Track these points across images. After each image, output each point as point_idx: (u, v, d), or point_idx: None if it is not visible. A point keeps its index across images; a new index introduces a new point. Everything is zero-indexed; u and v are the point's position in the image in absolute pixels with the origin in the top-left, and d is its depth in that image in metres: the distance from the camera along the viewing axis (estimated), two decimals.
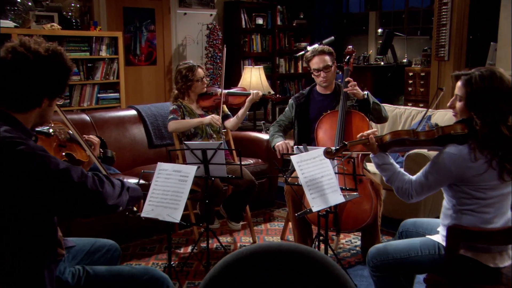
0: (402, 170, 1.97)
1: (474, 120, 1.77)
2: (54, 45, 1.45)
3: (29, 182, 1.27)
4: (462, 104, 1.83)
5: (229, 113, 3.45)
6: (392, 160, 1.97)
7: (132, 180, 3.25)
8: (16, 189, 1.27)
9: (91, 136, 1.93)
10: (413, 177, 1.91)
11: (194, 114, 3.30)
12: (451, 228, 1.78)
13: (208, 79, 3.48)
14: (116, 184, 1.47)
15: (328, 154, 1.99)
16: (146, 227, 3.29)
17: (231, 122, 3.37)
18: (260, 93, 3.31)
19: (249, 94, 3.30)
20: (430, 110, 3.74)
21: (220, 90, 3.35)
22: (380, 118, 2.94)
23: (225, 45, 3.43)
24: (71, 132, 1.79)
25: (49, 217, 1.41)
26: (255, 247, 0.95)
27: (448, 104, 1.90)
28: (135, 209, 1.76)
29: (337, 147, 2.00)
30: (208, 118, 3.16)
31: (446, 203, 1.91)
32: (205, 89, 3.35)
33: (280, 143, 2.92)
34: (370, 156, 2.01)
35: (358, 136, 1.99)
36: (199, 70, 3.30)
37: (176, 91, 3.35)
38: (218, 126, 3.20)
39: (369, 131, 1.99)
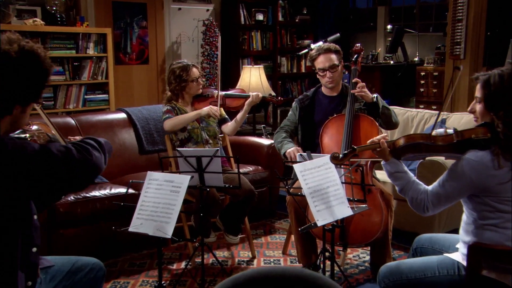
0: (417, 179, 1.92)
1: (495, 122, 1.74)
2: (30, 44, 1.40)
3: (9, 172, 1.28)
4: (482, 106, 1.80)
5: (226, 116, 3.42)
6: (406, 168, 1.94)
7: (122, 189, 3.23)
8: None
9: (76, 138, 1.89)
10: (429, 187, 1.87)
11: None
12: (473, 246, 1.73)
13: (204, 79, 3.45)
14: (97, 146, 1.51)
15: (335, 159, 1.96)
16: (135, 241, 3.26)
17: (229, 126, 3.35)
18: (260, 95, 3.29)
19: (248, 96, 3.28)
20: (444, 113, 3.72)
21: (217, 91, 3.31)
22: (390, 124, 2.91)
23: (219, 34, 3.41)
24: (51, 135, 1.74)
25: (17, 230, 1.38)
26: (254, 273, 0.90)
27: (469, 108, 1.87)
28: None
29: (345, 152, 1.96)
30: (206, 109, 3.18)
31: (466, 217, 1.87)
32: (201, 90, 3.33)
33: (292, 149, 2.89)
34: (382, 163, 1.98)
35: (369, 141, 1.95)
36: (194, 69, 3.27)
37: (169, 93, 3.32)
38: (217, 118, 3.21)
39: (379, 136, 1.95)
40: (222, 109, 3.40)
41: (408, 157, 1.95)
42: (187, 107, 3.33)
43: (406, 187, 1.90)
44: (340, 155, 1.96)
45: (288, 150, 2.90)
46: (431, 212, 1.87)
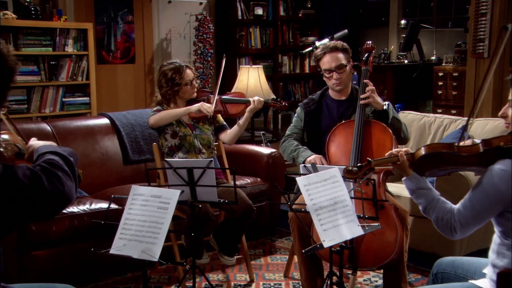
0: (442, 197, 1.90)
1: None
2: None
3: None
4: None
5: (224, 123, 3.42)
6: (429, 184, 1.92)
7: (103, 205, 3.21)
8: None
9: (33, 141, 1.86)
10: (456, 206, 1.85)
11: (181, 123, 3.28)
12: (504, 273, 1.70)
13: (198, 81, 3.44)
14: (67, 170, 1.43)
15: (349, 173, 1.96)
16: (118, 262, 3.22)
17: (228, 134, 3.34)
18: (262, 100, 3.27)
19: (249, 101, 3.26)
20: (464, 118, 3.70)
21: (214, 96, 3.30)
22: (398, 138, 2.90)
23: (224, 56, 3.40)
24: (21, 147, 1.71)
25: None
26: None
27: (500, 113, 1.85)
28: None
29: (360, 164, 1.95)
30: (197, 105, 3.16)
31: (496, 237, 1.84)
32: (195, 94, 3.31)
33: (312, 157, 2.86)
34: (402, 179, 1.96)
35: (387, 154, 1.94)
36: (188, 71, 3.27)
37: (159, 97, 3.30)
38: (210, 115, 3.19)
39: (399, 149, 1.94)
40: (219, 115, 3.39)
41: (432, 173, 1.93)
42: None
43: (430, 205, 1.89)
44: (355, 169, 1.95)
45: (308, 158, 2.86)
46: (460, 234, 1.84)
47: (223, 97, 3.38)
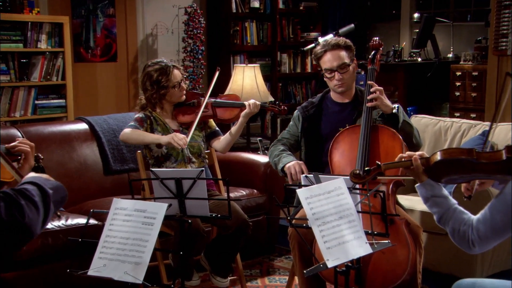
0: (459, 206, 1.92)
1: None
2: None
3: None
4: None
5: (217, 129, 3.43)
6: (445, 192, 1.93)
7: (81, 220, 3.22)
8: None
9: (20, 141, 1.87)
10: (475, 217, 1.87)
11: (167, 130, 3.28)
12: None
13: (187, 82, 3.46)
14: (38, 200, 1.42)
15: (356, 177, 1.97)
16: (98, 285, 3.21)
17: (221, 142, 3.36)
18: (259, 104, 3.29)
19: (244, 105, 3.28)
20: (486, 123, 3.72)
21: (204, 100, 3.32)
22: (409, 145, 2.91)
23: (218, 69, 3.41)
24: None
25: None
26: None
27: None
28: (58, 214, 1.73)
29: (368, 168, 1.97)
30: (167, 138, 3.12)
31: None
32: (184, 97, 3.33)
33: (292, 163, 2.88)
34: (416, 186, 1.98)
35: (398, 158, 1.95)
36: (176, 72, 3.28)
37: (143, 100, 3.31)
38: (181, 148, 3.15)
39: (413, 152, 1.95)
40: (212, 120, 3.40)
41: (450, 180, 1.94)
42: (166, 118, 3.33)
43: (446, 215, 1.90)
44: (362, 173, 1.97)
45: (288, 165, 2.88)
46: (479, 249, 1.86)
47: (215, 100, 3.39)
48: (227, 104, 3.37)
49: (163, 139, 3.15)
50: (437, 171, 1.91)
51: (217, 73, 3.39)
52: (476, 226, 1.84)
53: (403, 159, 1.97)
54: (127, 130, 3.20)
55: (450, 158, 1.87)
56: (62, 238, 3.09)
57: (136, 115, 3.28)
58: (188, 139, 3.16)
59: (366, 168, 2.01)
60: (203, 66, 5.70)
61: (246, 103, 3.28)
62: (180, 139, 3.10)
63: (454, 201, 1.94)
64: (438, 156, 1.89)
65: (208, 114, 3.32)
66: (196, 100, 3.37)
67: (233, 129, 3.30)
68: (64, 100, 4.74)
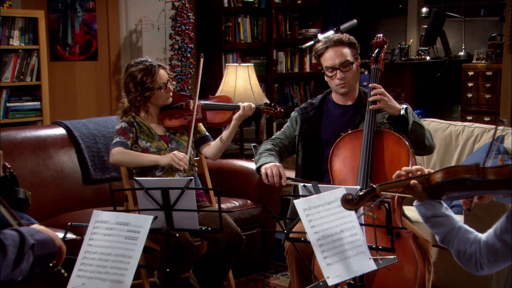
0: (464, 225, 1.93)
1: None
2: None
3: None
4: None
5: (207, 134, 3.44)
6: (448, 211, 1.94)
7: (58, 235, 3.19)
8: None
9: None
10: (483, 236, 1.87)
11: (153, 137, 3.29)
12: None
13: (174, 83, 3.46)
14: (9, 244, 1.41)
15: (348, 203, 1.93)
16: None
17: (211, 148, 3.37)
18: (254, 106, 3.30)
19: (238, 107, 3.29)
20: (500, 128, 3.74)
21: (194, 101, 3.33)
22: (421, 148, 2.92)
23: (202, 55, 3.42)
24: None
25: None
26: None
27: None
28: (52, 264, 1.71)
29: (361, 194, 1.94)
30: (167, 159, 3.14)
31: None
32: (171, 99, 3.34)
33: (269, 165, 2.87)
34: (414, 204, 1.98)
35: (395, 175, 1.95)
36: (162, 72, 3.29)
37: (126, 103, 3.32)
38: (184, 168, 3.16)
39: (411, 168, 1.95)
40: (201, 124, 3.41)
41: (451, 196, 1.94)
42: (152, 123, 3.33)
43: (450, 236, 1.90)
44: (355, 198, 1.94)
45: (264, 166, 2.88)
46: (487, 271, 1.86)
47: (205, 102, 3.40)
48: (219, 107, 3.38)
49: (162, 161, 3.14)
50: (438, 191, 1.89)
51: (201, 61, 3.39)
52: (485, 248, 1.83)
53: (401, 178, 1.96)
54: (115, 152, 3.17)
55: (453, 178, 1.83)
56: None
57: (118, 126, 3.27)
58: (188, 156, 3.18)
59: (360, 193, 1.98)
60: (192, 65, 5.70)
61: (240, 104, 3.29)
62: (180, 159, 3.12)
63: (457, 218, 1.93)
64: (439, 176, 1.86)
65: (198, 117, 3.33)
66: (184, 102, 3.37)
67: (225, 133, 3.31)
68: (39, 103, 4.73)
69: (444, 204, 1.95)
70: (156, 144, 3.26)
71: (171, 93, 3.34)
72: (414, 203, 1.98)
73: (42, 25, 4.68)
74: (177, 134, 3.34)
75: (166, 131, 3.33)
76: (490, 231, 1.86)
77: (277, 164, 2.90)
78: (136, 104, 3.28)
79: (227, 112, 3.35)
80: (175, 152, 3.17)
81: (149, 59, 3.32)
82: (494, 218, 2.05)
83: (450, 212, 1.94)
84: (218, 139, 3.34)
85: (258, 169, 2.92)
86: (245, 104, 3.29)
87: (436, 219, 1.92)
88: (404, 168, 1.99)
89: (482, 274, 1.87)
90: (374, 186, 1.93)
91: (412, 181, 1.91)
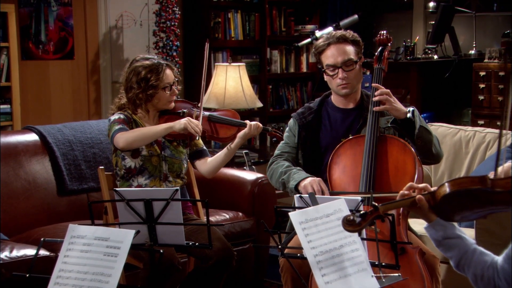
0: (479, 247, 1.94)
1: None
2: None
3: None
4: None
5: (204, 148, 3.47)
6: (460, 232, 1.95)
7: (29, 251, 3.20)
8: None
9: None
10: (499, 259, 1.88)
11: None
12: None
13: (179, 87, 3.46)
14: None
15: (350, 225, 1.95)
16: None
17: (208, 165, 3.40)
18: (261, 127, 3.33)
19: (244, 124, 3.32)
20: (511, 132, 3.76)
21: (197, 110, 3.35)
22: (428, 155, 2.93)
23: (208, 40, 3.45)
24: None
25: None
26: None
27: None
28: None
29: (364, 212, 1.95)
30: (183, 121, 3.18)
31: None
32: (173, 104, 3.35)
33: (308, 180, 2.87)
34: (424, 227, 2.01)
35: (399, 195, 1.96)
36: (168, 72, 3.32)
37: (122, 101, 3.32)
38: (198, 137, 3.27)
39: (416, 185, 1.96)
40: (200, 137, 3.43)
41: (464, 216, 1.95)
42: (149, 125, 3.34)
43: (465, 260, 1.91)
44: (357, 219, 1.95)
45: (303, 183, 2.87)
46: None
47: (210, 113, 3.42)
48: (225, 121, 3.39)
49: (177, 126, 3.18)
50: (446, 207, 1.90)
51: (207, 46, 3.43)
52: (502, 270, 1.84)
53: (406, 197, 1.97)
54: (123, 135, 3.17)
55: (459, 190, 1.84)
56: (5, 273, 3.06)
57: (115, 117, 3.27)
58: (201, 126, 3.24)
59: (361, 212, 1.99)
60: (178, 65, 5.70)
61: (247, 122, 3.31)
62: (196, 125, 3.18)
63: (471, 240, 1.94)
64: (445, 189, 1.86)
65: (204, 129, 3.34)
66: (187, 110, 3.38)
67: (225, 151, 3.32)
68: (9, 106, 4.72)
69: (457, 226, 1.96)
70: (148, 148, 3.27)
71: (174, 97, 3.35)
72: (424, 227, 2.00)
73: (12, 21, 4.68)
74: (174, 143, 3.34)
75: (162, 137, 3.33)
76: (506, 250, 1.87)
77: (316, 178, 2.89)
78: (136, 102, 3.29)
79: (232, 128, 3.36)
80: (189, 118, 3.21)
81: (156, 57, 3.38)
82: (507, 231, 2.06)
83: (463, 234, 1.95)
84: (216, 156, 3.35)
85: (296, 187, 2.90)
86: (253, 123, 3.31)
87: (449, 241, 1.93)
88: (408, 184, 2.00)
89: None
90: (377, 205, 1.95)
91: (418, 196, 1.92)
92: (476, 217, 2.02)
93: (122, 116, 3.27)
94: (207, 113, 3.41)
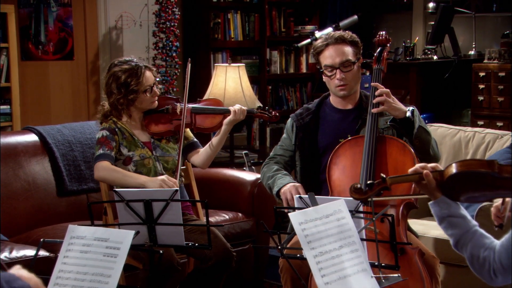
0: (481, 229, 1.95)
1: None
2: None
3: None
4: None
5: (195, 140, 3.45)
6: (464, 211, 1.96)
7: (28, 252, 3.21)
8: None
9: None
10: (499, 242, 1.89)
11: (136, 144, 3.29)
12: None
13: (160, 86, 3.47)
14: None
15: (357, 192, 2.00)
16: None
17: (200, 156, 3.38)
18: (246, 110, 3.31)
19: (228, 111, 3.31)
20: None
21: (181, 104, 3.34)
22: (425, 156, 2.93)
23: (189, 60, 3.44)
24: None
25: None
26: None
27: None
28: None
29: (371, 182, 1.99)
30: (158, 181, 3.13)
31: None
32: (156, 103, 3.34)
33: (287, 187, 2.90)
34: (429, 204, 2.02)
35: (410, 170, 1.98)
36: (148, 74, 3.30)
37: (106, 107, 3.32)
38: (152, 165, 3.21)
39: (425, 164, 1.97)
40: (188, 129, 3.42)
41: (468, 197, 1.97)
42: (135, 129, 3.34)
43: (464, 239, 1.92)
44: (364, 187, 1.99)
45: (283, 189, 2.91)
46: (501, 280, 1.88)
47: (193, 105, 3.41)
48: (208, 110, 3.39)
49: (152, 184, 3.12)
50: (453, 187, 1.93)
51: (189, 66, 3.41)
52: (499, 253, 1.86)
53: (414, 173, 1.99)
54: (101, 167, 3.17)
55: (467, 171, 1.88)
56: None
57: (99, 135, 3.26)
58: (178, 179, 3.21)
59: (368, 182, 2.03)
60: (178, 65, 5.70)
61: (230, 108, 3.31)
62: (173, 183, 3.13)
63: (474, 222, 1.95)
64: (453, 169, 1.91)
65: (186, 122, 3.34)
66: (171, 106, 3.38)
67: (215, 139, 3.32)
68: (8, 106, 4.72)
69: (461, 206, 1.97)
70: (139, 152, 3.26)
71: (157, 97, 3.35)
72: (429, 203, 2.01)
73: (12, 21, 4.68)
74: (163, 140, 3.34)
75: (151, 138, 3.33)
76: (506, 235, 1.88)
77: (295, 184, 2.92)
78: (118, 107, 3.28)
79: (217, 117, 3.37)
80: (167, 177, 3.16)
81: (134, 59, 3.33)
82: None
83: (467, 214, 1.96)
84: (207, 145, 3.35)
85: (278, 193, 2.94)
86: (236, 107, 3.31)
87: (451, 220, 1.95)
88: (418, 164, 2.02)
89: (495, 283, 1.89)
90: (385, 176, 1.97)
91: (425, 171, 1.94)
92: (481, 200, 2.05)
93: (104, 134, 3.25)
94: (190, 105, 3.40)
